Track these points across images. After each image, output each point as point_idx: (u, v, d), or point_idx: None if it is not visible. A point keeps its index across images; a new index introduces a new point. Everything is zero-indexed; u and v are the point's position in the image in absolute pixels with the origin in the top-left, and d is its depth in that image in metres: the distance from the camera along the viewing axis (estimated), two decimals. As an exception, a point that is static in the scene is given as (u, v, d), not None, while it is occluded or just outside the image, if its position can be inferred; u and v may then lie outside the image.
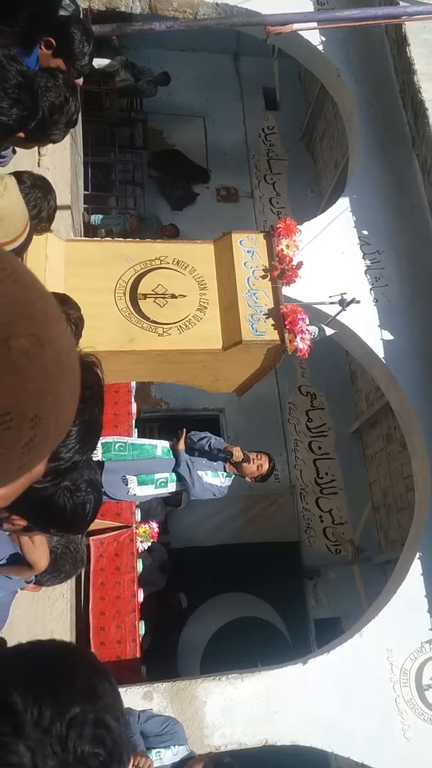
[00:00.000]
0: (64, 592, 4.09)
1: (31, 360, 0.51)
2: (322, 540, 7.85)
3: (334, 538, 7.85)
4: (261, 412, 7.92)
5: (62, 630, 4.05)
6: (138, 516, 4.97)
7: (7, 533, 1.78)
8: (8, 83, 1.75)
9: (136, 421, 5.27)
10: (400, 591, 4.80)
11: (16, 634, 3.12)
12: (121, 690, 4.14)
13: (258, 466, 4.23)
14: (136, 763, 3.20)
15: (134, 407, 5.22)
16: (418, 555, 4.85)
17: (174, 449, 4.14)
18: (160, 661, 5.91)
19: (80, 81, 2.76)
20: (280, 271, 3.97)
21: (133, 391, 5.30)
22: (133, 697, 4.12)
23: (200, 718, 4.23)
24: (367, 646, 4.67)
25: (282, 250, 4.02)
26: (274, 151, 9.87)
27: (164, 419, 7.69)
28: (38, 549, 1.84)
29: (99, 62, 7.47)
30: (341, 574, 7.55)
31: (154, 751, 3.55)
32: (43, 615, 3.88)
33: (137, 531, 4.81)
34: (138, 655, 4.52)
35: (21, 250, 2.02)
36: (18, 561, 1.85)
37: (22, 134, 2.06)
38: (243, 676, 4.44)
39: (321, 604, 7.49)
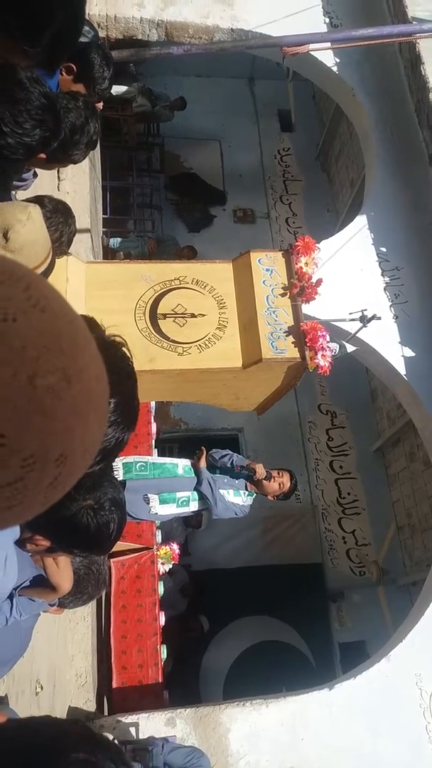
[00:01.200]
0: (85, 615, 4.05)
1: (57, 397, 0.48)
2: (346, 561, 7.71)
3: (358, 559, 7.70)
4: (281, 431, 7.87)
5: (83, 654, 4.00)
6: (159, 538, 4.92)
7: (31, 555, 1.76)
8: (31, 104, 1.77)
9: (155, 441, 5.26)
10: (428, 613, 4.67)
11: (37, 658, 3.09)
12: (144, 716, 4.08)
13: (280, 484, 4.18)
14: None
15: (154, 427, 5.21)
16: (445, 576, 4.73)
17: (195, 467, 4.10)
18: (182, 686, 5.81)
19: (100, 105, 2.80)
20: (300, 288, 3.96)
21: (153, 411, 5.30)
22: (155, 723, 4.03)
23: (224, 746, 4.13)
24: (395, 671, 4.54)
25: (301, 267, 4.01)
26: (290, 172, 9.95)
27: (184, 439, 7.66)
28: (62, 571, 1.82)
29: (117, 89, 7.63)
30: (365, 597, 7.39)
31: None
32: (64, 638, 3.84)
33: (158, 553, 4.76)
34: (160, 680, 4.44)
35: (44, 277, 2.03)
36: (41, 583, 1.83)
37: (43, 155, 2.08)
38: (268, 702, 4.34)
39: (345, 627, 7.33)
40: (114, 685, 4.34)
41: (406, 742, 4.37)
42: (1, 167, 2.17)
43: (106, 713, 4.20)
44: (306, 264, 4.05)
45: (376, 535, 7.78)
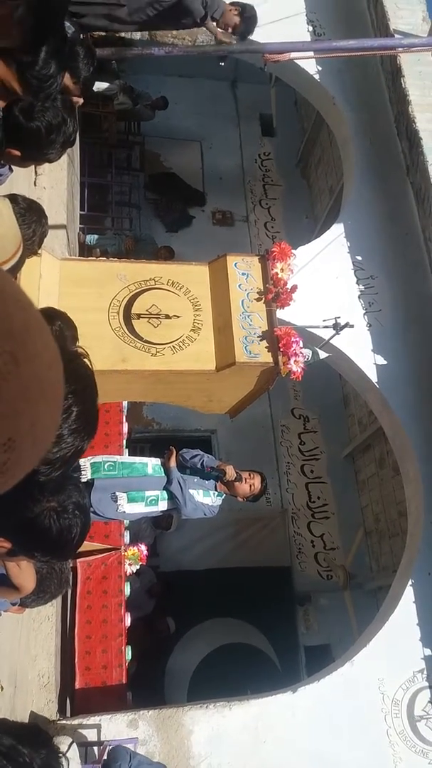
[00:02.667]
0: (49, 615, 4.01)
1: (3, 380, 0.48)
2: (314, 565, 7.76)
3: (326, 563, 7.77)
4: (253, 434, 7.89)
5: (46, 654, 3.95)
6: (127, 538, 4.90)
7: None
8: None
9: (127, 441, 5.23)
10: (392, 619, 4.73)
11: (-1, 659, 3.05)
12: (106, 717, 4.05)
13: (251, 486, 4.19)
14: None
15: (125, 427, 5.18)
16: (410, 582, 4.80)
17: (165, 467, 4.09)
18: (147, 688, 5.78)
19: (80, 101, 2.79)
20: (275, 294, 3.98)
21: (125, 410, 5.27)
22: (118, 724, 4.01)
23: (186, 748, 4.12)
24: (358, 675, 4.59)
25: (277, 273, 4.04)
26: (270, 176, 10.00)
27: (156, 439, 7.64)
28: (25, 572, 1.80)
29: (98, 85, 7.57)
30: (332, 601, 7.46)
31: None
32: (27, 638, 3.79)
33: (126, 553, 4.73)
34: (124, 681, 4.42)
35: (12, 272, 2.01)
36: (3, 582, 1.81)
37: (18, 152, 2.06)
38: (231, 704, 4.35)
39: (312, 630, 7.39)
40: (77, 685, 4.30)
41: (367, 745, 4.42)
42: None
43: (68, 714, 4.16)
44: (281, 270, 4.07)
45: (344, 540, 7.85)
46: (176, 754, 4.00)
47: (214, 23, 4.67)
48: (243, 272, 3.96)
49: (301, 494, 8.10)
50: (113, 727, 3.96)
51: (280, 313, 4.15)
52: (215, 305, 3.84)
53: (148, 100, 8.71)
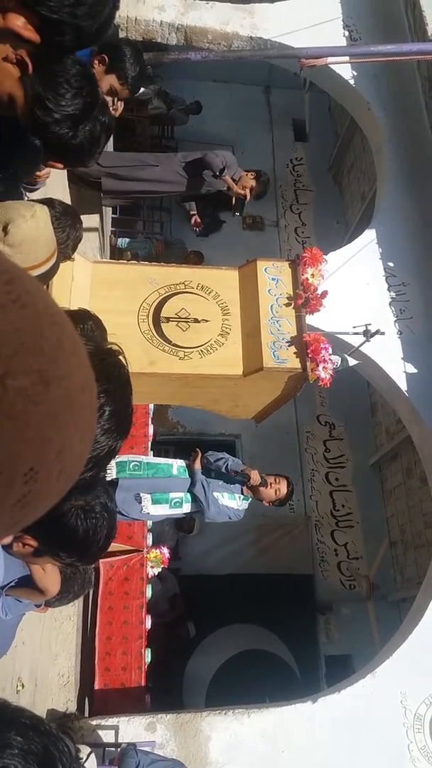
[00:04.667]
0: (71, 615, 4.03)
1: (31, 402, 0.44)
2: (336, 574, 7.68)
3: (349, 573, 7.68)
4: (278, 439, 7.85)
5: (67, 653, 3.97)
6: (150, 540, 4.90)
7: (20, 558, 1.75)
8: (68, 73, 1.74)
9: (152, 443, 5.25)
10: (416, 631, 4.64)
11: (20, 656, 3.07)
12: (124, 719, 4.05)
13: (276, 491, 4.16)
14: None
15: (151, 429, 5.20)
16: (435, 595, 4.71)
17: (190, 469, 4.09)
18: (165, 691, 5.78)
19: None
20: (305, 299, 3.96)
21: (151, 413, 5.29)
22: (136, 727, 4.01)
23: (204, 754, 4.10)
24: (380, 687, 4.51)
25: (307, 278, 4.01)
26: (302, 181, 9.97)
27: (180, 443, 7.65)
28: (49, 576, 1.81)
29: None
30: (354, 611, 7.36)
31: None
32: (48, 637, 3.82)
33: (148, 556, 4.74)
34: (143, 684, 4.42)
35: (45, 278, 2.03)
36: (28, 584, 1.82)
37: (60, 165, 2.08)
38: (250, 712, 4.31)
39: (333, 640, 7.30)
40: (96, 686, 4.32)
41: (387, 760, 4.34)
42: (13, 170, 2.16)
43: (86, 714, 4.18)
44: (312, 275, 4.05)
45: (368, 550, 7.75)
46: (193, 759, 3.98)
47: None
48: (273, 277, 3.94)
49: (325, 502, 8.02)
50: (131, 730, 3.96)
51: (310, 319, 4.12)
52: (244, 310, 3.83)
53: (182, 104, 8.76)
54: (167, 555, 4.89)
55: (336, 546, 7.81)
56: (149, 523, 4.87)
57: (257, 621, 7.07)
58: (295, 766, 4.23)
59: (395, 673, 4.55)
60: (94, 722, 3.92)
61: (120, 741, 3.84)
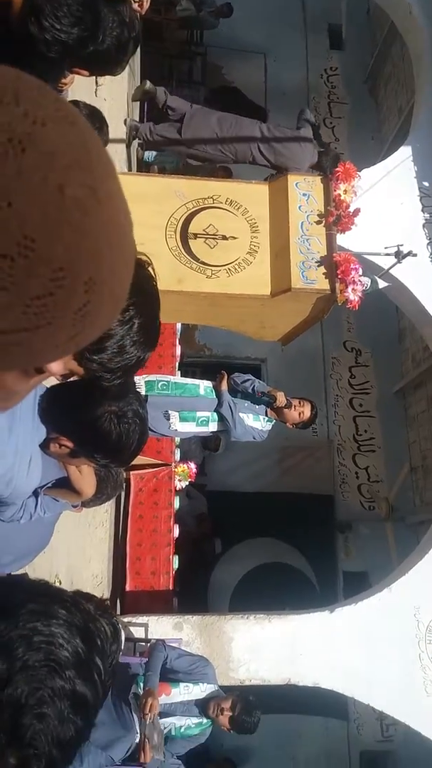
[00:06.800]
0: (103, 521, 4.24)
1: (86, 213, 0.46)
2: (357, 496, 7.87)
3: (369, 495, 7.85)
4: (303, 365, 7.85)
5: (100, 556, 4.21)
6: (177, 456, 5.07)
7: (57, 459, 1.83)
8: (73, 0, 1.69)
9: (179, 364, 5.31)
10: (432, 551, 4.79)
11: (57, 556, 3.27)
12: (153, 618, 4.32)
13: (300, 413, 4.21)
14: (143, 701, 3.34)
15: (178, 350, 5.25)
16: (453, 517, 4.82)
17: (216, 389, 4.15)
18: (191, 596, 6.10)
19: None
20: (336, 217, 3.86)
21: (178, 333, 5.32)
22: (164, 625, 4.29)
23: (227, 653, 4.39)
24: (395, 601, 4.72)
25: (339, 195, 3.90)
26: (336, 93, 9.44)
27: (207, 365, 7.70)
28: (85, 478, 1.89)
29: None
30: (373, 531, 7.58)
31: (182, 685, 3.67)
32: (83, 541, 4.03)
33: (176, 470, 4.92)
34: (171, 588, 4.70)
35: None
36: (65, 485, 1.91)
37: (86, 72, 2.01)
38: (270, 617, 4.57)
39: (351, 557, 7.56)
40: (127, 588, 4.60)
41: (398, 667, 4.59)
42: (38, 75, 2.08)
43: (119, 613, 4.46)
44: (345, 191, 3.92)
45: (389, 474, 7.88)
46: (217, 657, 4.26)
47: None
48: (304, 193, 3.83)
49: (348, 427, 8.11)
50: (160, 628, 4.24)
51: (341, 239, 4.03)
52: (273, 227, 3.75)
53: (212, 6, 8.22)
54: (194, 470, 5.06)
55: (357, 469, 7.96)
56: (177, 439, 5.01)
57: (279, 536, 7.35)
58: (311, 667, 4.51)
59: (410, 589, 4.74)
60: (125, 620, 4.20)
61: (149, 637, 4.13)
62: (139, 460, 4.61)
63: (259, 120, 5.48)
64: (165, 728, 3.61)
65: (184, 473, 4.91)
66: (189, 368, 7.37)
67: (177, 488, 4.92)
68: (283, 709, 6.12)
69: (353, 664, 4.56)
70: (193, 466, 5.02)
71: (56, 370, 0.58)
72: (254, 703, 3.66)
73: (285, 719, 6.54)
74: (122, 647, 1.94)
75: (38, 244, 0.44)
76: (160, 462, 4.82)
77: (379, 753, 7.13)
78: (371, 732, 7.08)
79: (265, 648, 4.48)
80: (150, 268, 1.28)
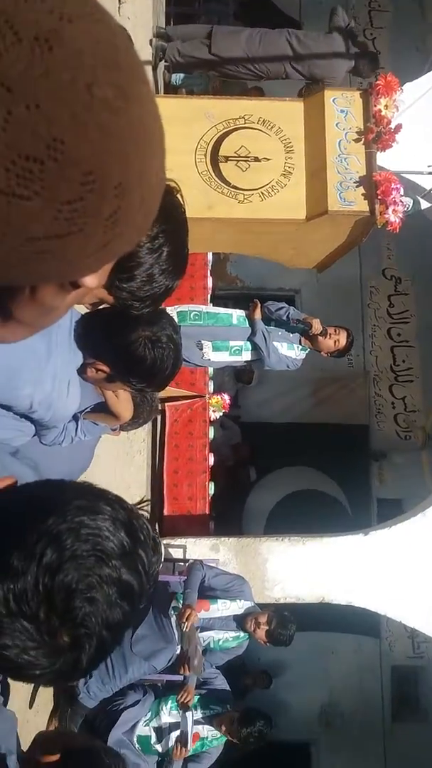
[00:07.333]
0: (141, 450, 4.38)
1: (115, 114, 0.45)
2: (392, 426, 7.86)
3: (405, 424, 7.84)
4: (340, 294, 7.69)
5: (138, 484, 4.37)
6: (211, 387, 5.12)
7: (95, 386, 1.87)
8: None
9: (211, 297, 5.27)
10: (468, 478, 4.80)
11: (97, 480, 3.40)
12: (191, 540, 4.51)
13: (335, 341, 4.17)
14: (183, 613, 3.52)
15: (210, 282, 5.20)
16: None
17: (250, 318, 4.12)
18: (227, 523, 6.31)
19: None
20: (376, 134, 3.67)
21: (209, 264, 5.25)
22: (201, 547, 4.47)
23: (262, 573, 4.57)
24: (430, 525, 4.78)
25: (380, 110, 3.69)
26: (377, 1, 8.77)
27: (239, 297, 7.62)
28: (122, 402, 1.94)
29: None
30: (408, 459, 7.59)
31: (220, 601, 3.85)
32: (122, 468, 4.18)
33: (210, 401, 4.99)
34: (207, 512, 4.88)
35: None
36: (103, 410, 1.96)
37: None
38: (304, 540, 4.70)
39: (385, 484, 7.64)
40: (165, 512, 4.79)
41: (430, 584, 4.70)
42: None
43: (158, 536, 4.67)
44: (386, 106, 3.71)
45: (426, 403, 7.82)
46: (253, 577, 4.43)
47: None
48: (342, 109, 3.64)
49: (385, 357, 8.01)
50: (197, 549, 4.43)
51: (381, 157, 3.83)
52: (309, 147, 3.59)
53: None
54: (227, 401, 5.12)
55: (393, 399, 7.91)
56: (210, 371, 5.05)
57: (313, 464, 7.46)
58: (345, 586, 4.66)
59: (445, 514, 4.78)
60: (164, 541, 4.40)
61: (187, 558, 4.32)
62: (174, 391, 4.68)
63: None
64: (204, 641, 3.82)
65: (217, 404, 4.98)
66: (221, 301, 7.31)
67: (211, 419, 5.01)
68: (317, 627, 6.39)
69: (387, 585, 4.69)
70: (226, 397, 5.08)
71: (91, 284, 0.57)
72: (289, 618, 3.84)
73: (319, 637, 6.85)
74: (162, 559, 2.04)
75: (67, 146, 0.43)
76: (194, 393, 4.89)
77: (409, 668, 7.44)
78: (402, 649, 7.37)
79: (300, 568, 4.64)
80: (179, 195, 1.25)
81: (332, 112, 3.58)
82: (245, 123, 3.52)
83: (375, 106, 3.63)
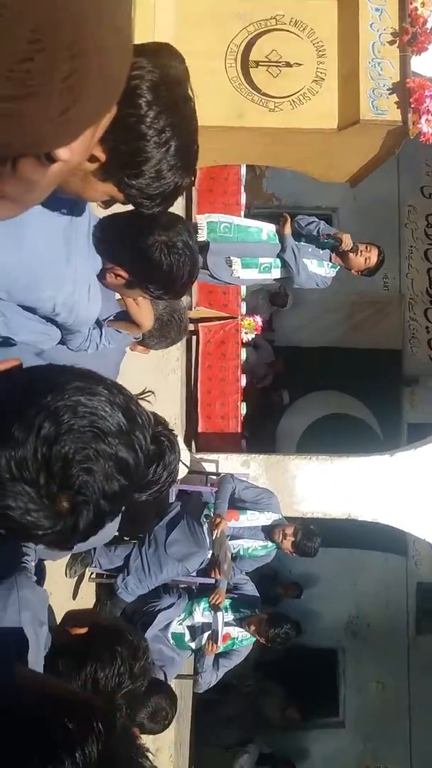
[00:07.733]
0: (174, 369, 4.48)
1: None
2: (426, 350, 7.77)
3: (440, 349, 7.74)
4: (377, 214, 7.43)
5: (173, 402, 4.49)
6: (243, 309, 5.13)
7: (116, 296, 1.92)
8: None
9: (245, 215, 5.18)
10: None
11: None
12: (223, 456, 4.66)
13: (366, 259, 4.10)
14: (213, 521, 3.70)
15: (244, 198, 5.10)
16: None
17: (280, 234, 4.06)
18: (259, 444, 6.46)
19: None
20: (412, 35, 3.45)
21: (243, 179, 5.14)
22: (233, 462, 4.64)
23: (291, 488, 4.72)
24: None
25: (416, 8, 3.46)
26: None
27: (275, 216, 7.45)
28: (143, 310, 1.98)
29: None
30: (441, 385, 7.56)
31: (249, 512, 4.04)
32: (157, 386, 4.26)
33: (242, 323, 5.01)
34: (239, 431, 5.03)
35: None
36: (125, 318, 2.02)
37: None
38: (332, 459, 4.81)
39: (417, 409, 7.63)
40: (200, 429, 4.95)
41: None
42: None
43: (193, 450, 4.84)
44: (422, 4, 3.48)
45: (463, 327, 7.67)
46: (281, 491, 4.59)
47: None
48: (377, 7, 3.43)
49: (421, 280, 7.81)
50: (229, 464, 4.60)
51: (416, 63, 3.63)
52: (342, 50, 3.43)
53: None
54: (260, 323, 5.13)
55: (428, 323, 7.77)
56: (243, 293, 5.04)
57: (345, 389, 7.49)
58: (371, 503, 4.78)
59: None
60: (198, 456, 4.58)
61: (220, 471, 4.50)
62: (207, 312, 4.72)
63: None
64: (234, 549, 4.04)
65: (250, 326, 5.00)
66: (257, 219, 7.17)
67: (243, 341, 5.05)
68: (345, 543, 6.62)
69: (411, 504, 4.80)
70: (258, 319, 5.08)
71: (64, 156, 0.55)
72: (315, 531, 4.00)
73: (348, 553, 7.10)
74: (180, 457, 2.14)
75: (11, 1, 0.42)
76: (226, 315, 4.91)
77: (435, 584, 7.70)
78: (428, 566, 7.59)
79: (327, 485, 4.77)
80: (189, 90, 1.22)
81: (367, 12, 3.38)
82: (277, 24, 3.36)
83: (411, 3, 3.40)
